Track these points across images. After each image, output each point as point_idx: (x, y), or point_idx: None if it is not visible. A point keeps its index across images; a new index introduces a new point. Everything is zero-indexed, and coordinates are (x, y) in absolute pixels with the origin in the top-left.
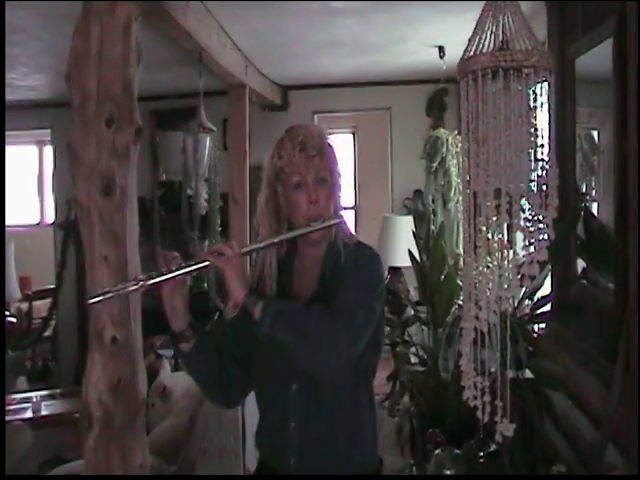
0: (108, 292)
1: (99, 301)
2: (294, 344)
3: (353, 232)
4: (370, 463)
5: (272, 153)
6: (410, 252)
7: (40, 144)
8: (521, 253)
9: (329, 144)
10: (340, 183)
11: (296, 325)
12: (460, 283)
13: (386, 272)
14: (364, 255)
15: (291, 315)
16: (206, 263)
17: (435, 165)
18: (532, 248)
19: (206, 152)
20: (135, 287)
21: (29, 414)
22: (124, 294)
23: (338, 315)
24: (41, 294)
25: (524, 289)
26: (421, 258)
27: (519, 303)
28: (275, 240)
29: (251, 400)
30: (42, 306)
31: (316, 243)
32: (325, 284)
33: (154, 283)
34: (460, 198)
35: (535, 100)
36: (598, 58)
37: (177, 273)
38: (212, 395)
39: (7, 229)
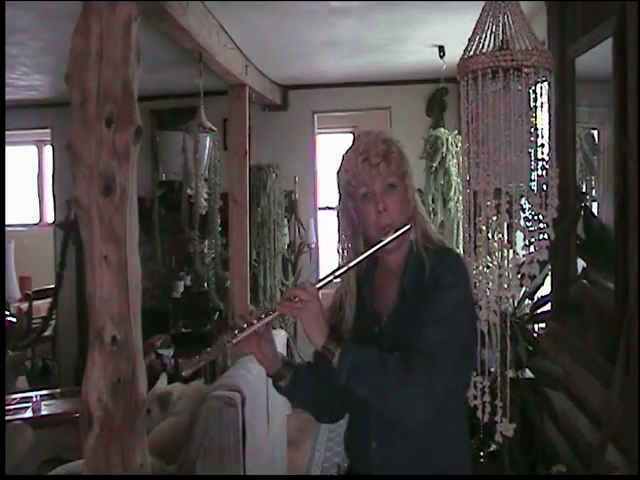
0: (200, 360)
1: (192, 372)
2: (370, 398)
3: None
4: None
5: (339, 167)
6: None
7: (40, 144)
8: (521, 253)
9: (396, 147)
10: (412, 185)
11: (372, 380)
12: None
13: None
14: (447, 271)
15: (367, 368)
16: (277, 314)
17: (435, 165)
18: (532, 248)
19: (206, 152)
20: (221, 351)
21: (29, 414)
22: (214, 358)
23: (416, 363)
24: (41, 294)
25: (524, 289)
26: None
27: (519, 303)
28: (345, 268)
29: (251, 400)
30: (42, 306)
31: (393, 252)
32: (406, 300)
33: (239, 341)
34: (460, 198)
35: (535, 100)
36: (598, 58)
37: (254, 328)
38: (317, 415)
39: (7, 229)
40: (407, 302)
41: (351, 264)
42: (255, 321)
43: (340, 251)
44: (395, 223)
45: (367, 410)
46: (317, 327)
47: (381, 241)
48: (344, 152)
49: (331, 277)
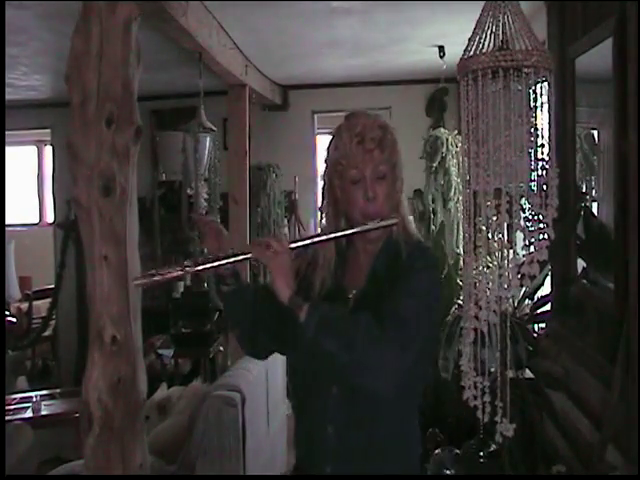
0: (154, 275)
1: (144, 283)
2: (339, 353)
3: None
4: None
5: (329, 142)
6: None
7: (40, 144)
8: (521, 253)
9: (392, 135)
10: (402, 178)
11: (342, 333)
12: (460, 283)
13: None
14: (422, 257)
15: (337, 321)
16: (249, 255)
17: (435, 165)
18: (532, 248)
19: (206, 152)
20: (180, 272)
21: (29, 414)
22: (169, 279)
23: (389, 325)
24: (41, 294)
25: (524, 289)
26: None
27: (519, 303)
28: (324, 238)
29: (251, 400)
30: (42, 306)
31: (373, 241)
32: (375, 281)
33: (199, 270)
34: (460, 198)
35: (535, 100)
36: (598, 58)
37: (219, 263)
38: (240, 340)
39: (7, 229)
40: (376, 284)
41: (332, 236)
42: (214, 257)
43: (321, 222)
44: (382, 213)
45: (325, 391)
46: (285, 279)
47: (365, 224)
48: (337, 128)
49: (308, 242)
